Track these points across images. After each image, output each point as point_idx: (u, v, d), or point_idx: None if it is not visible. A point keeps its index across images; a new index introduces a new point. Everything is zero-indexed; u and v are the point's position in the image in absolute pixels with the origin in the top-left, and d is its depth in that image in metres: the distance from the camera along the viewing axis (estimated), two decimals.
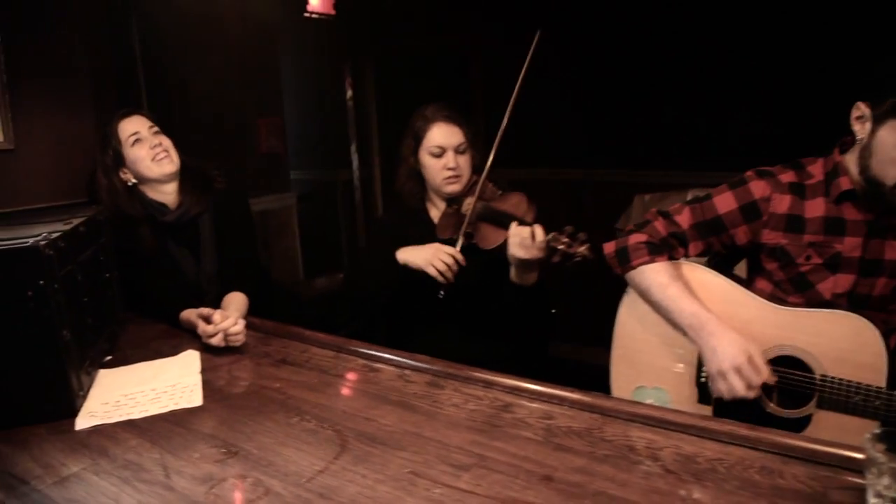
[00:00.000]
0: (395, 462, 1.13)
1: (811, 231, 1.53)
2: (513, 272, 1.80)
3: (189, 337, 1.80)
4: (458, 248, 1.83)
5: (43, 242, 1.30)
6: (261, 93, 3.55)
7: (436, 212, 2.07)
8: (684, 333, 1.55)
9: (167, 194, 2.00)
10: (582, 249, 1.61)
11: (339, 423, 1.28)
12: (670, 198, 3.50)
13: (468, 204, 1.94)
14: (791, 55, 3.10)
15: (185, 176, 2.01)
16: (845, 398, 1.38)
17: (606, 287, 1.72)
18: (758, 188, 1.58)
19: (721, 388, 1.44)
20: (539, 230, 1.67)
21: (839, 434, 1.33)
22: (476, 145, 2.00)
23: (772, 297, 1.55)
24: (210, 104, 3.23)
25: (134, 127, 1.94)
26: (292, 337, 1.78)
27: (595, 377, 1.66)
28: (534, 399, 1.36)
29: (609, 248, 1.69)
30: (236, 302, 1.89)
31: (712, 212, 1.61)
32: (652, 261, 1.61)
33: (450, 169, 1.93)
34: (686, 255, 1.66)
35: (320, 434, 1.24)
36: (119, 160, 1.94)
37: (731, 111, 3.33)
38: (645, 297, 1.63)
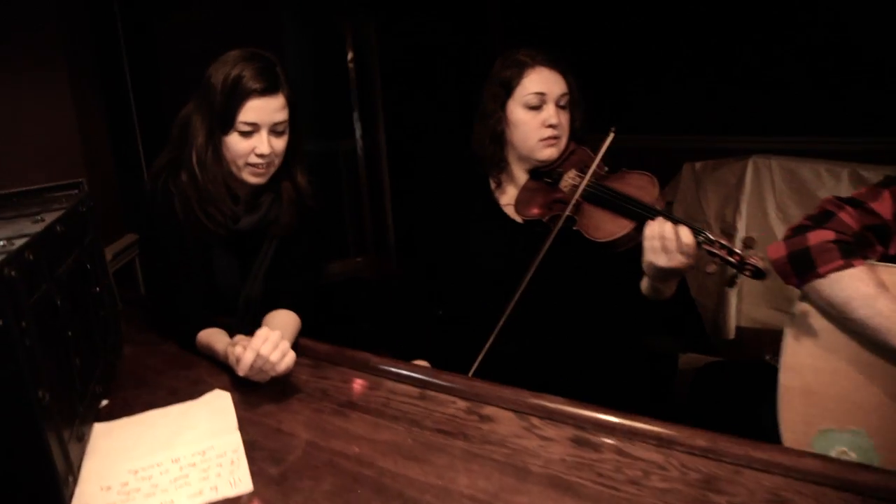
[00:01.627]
0: None
1: None
2: (645, 283, 1.37)
3: (209, 367, 1.34)
4: (553, 232, 1.41)
5: (0, 258, 0.82)
6: None
7: (511, 188, 1.62)
8: None
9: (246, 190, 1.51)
10: (754, 260, 1.19)
11: None
12: (728, 166, 3.08)
13: (572, 178, 1.49)
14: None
15: (278, 180, 1.50)
16: None
17: None
18: None
19: None
20: (686, 232, 1.23)
21: None
22: (580, 103, 1.55)
23: None
24: (201, 66, 2.70)
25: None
26: (356, 365, 1.32)
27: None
28: (754, 467, 0.94)
29: (777, 251, 1.26)
30: (282, 321, 1.40)
31: None
32: (848, 265, 1.19)
33: (550, 126, 1.49)
34: (885, 255, 1.24)
35: None
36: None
37: (795, 68, 2.90)
38: (839, 312, 1.21)
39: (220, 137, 1.38)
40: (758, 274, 1.19)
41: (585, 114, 1.56)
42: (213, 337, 1.34)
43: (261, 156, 1.37)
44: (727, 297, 2.93)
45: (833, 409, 1.26)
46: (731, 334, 2.97)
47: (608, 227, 1.37)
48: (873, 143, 2.76)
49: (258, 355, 1.14)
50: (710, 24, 3.08)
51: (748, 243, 1.21)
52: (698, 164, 3.17)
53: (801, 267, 1.23)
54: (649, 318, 1.41)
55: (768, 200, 2.91)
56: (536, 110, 1.49)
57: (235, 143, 1.37)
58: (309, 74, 3.89)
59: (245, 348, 1.16)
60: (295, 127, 1.44)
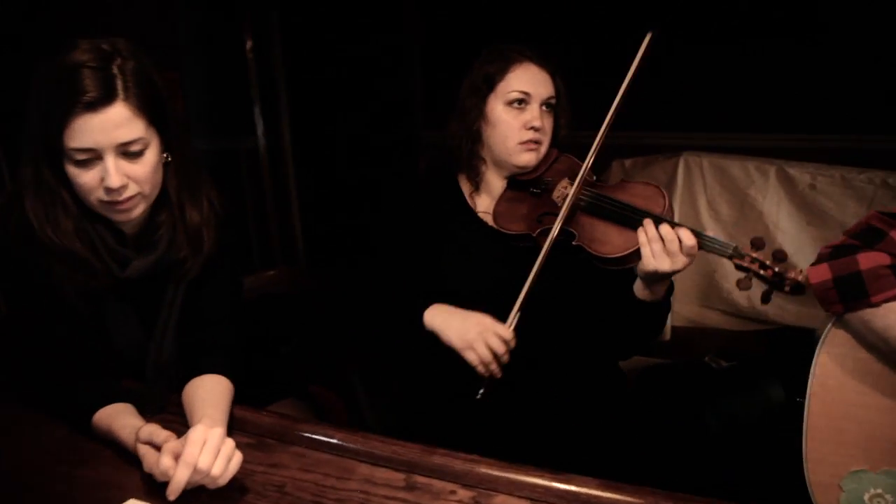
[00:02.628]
0: None
1: None
2: (639, 286, 1.24)
3: (115, 458, 1.00)
4: (545, 248, 1.22)
5: None
6: (153, 42, 2.59)
7: (485, 196, 1.42)
8: None
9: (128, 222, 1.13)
10: (794, 274, 1.05)
11: None
12: (659, 164, 3.02)
13: (564, 188, 1.30)
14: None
15: (166, 202, 1.13)
16: None
17: None
18: None
19: None
20: (687, 234, 1.14)
21: None
22: (567, 109, 1.39)
23: None
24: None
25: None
26: (316, 444, 1.03)
27: None
28: None
29: (820, 274, 1.12)
30: (212, 395, 1.07)
31: None
32: None
33: (532, 129, 1.31)
34: None
35: None
36: None
37: (733, 63, 2.86)
38: (890, 346, 1.09)
39: (49, 171, 1.02)
40: (797, 289, 1.08)
41: (568, 118, 1.37)
42: (117, 420, 1.00)
43: (113, 190, 1.01)
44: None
45: (866, 447, 1.13)
46: (668, 335, 2.92)
47: (616, 241, 1.21)
48: (798, 140, 2.78)
49: (195, 470, 0.84)
50: (637, 21, 3.00)
51: (778, 255, 1.09)
52: (628, 161, 3.09)
53: (850, 294, 1.09)
54: (642, 326, 1.31)
55: (699, 198, 2.87)
56: (519, 109, 1.32)
57: (74, 175, 1.01)
58: (203, 64, 3.47)
59: (172, 453, 0.85)
60: (171, 138, 1.09)
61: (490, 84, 1.34)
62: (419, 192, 1.45)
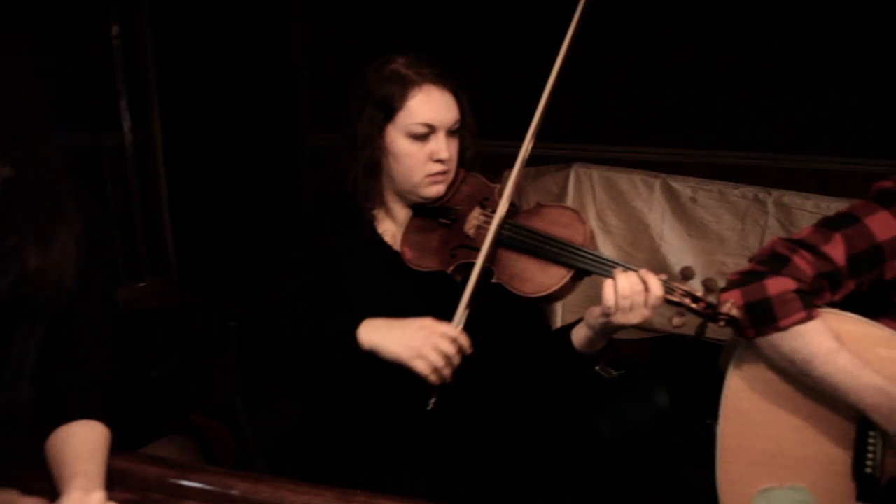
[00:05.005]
0: None
1: None
2: (582, 336, 1.16)
3: None
4: (470, 289, 1.12)
5: None
6: None
7: (389, 222, 1.30)
8: (858, 414, 1.09)
9: None
10: (728, 308, 1.03)
11: None
12: (550, 175, 3.05)
13: (476, 219, 1.21)
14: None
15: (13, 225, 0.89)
16: None
17: None
18: None
19: None
20: (653, 280, 1.05)
21: None
22: (472, 126, 1.29)
23: None
24: None
25: None
26: (213, 497, 0.89)
27: None
28: None
29: (733, 300, 1.11)
30: (84, 447, 0.89)
31: (868, 239, 1.13)
32: (809, 318, 1.10)
33: (439, 161, 1.21)
34: (831, 302, 1.16)
35: None
36: None
37: (621, 76, 2.96)
38: (799, 368, 1.11)
39: None
40: (732, 323, 1.04)
41: (476, 139, 1.29)
42: None
43: None
44: (553, 308, 2.91)
45: (774, 467, 1.16)
46: None
47: (538, 278, 1.13)
48: (682, 155, 2.92)
49: None
50: (533, 32, 3.02)
51: (709, 285, 1.05)
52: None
53: (760, 319, 1.10)
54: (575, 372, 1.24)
55: (589, 209, 2.93)
56: (423, 141, 1.20)
57: None
58: (62, 51, 3.08)
59: None
60: (12, 142, 0.86)
61: (388, 113, 1.20)
62: (321, 216, 1.30)
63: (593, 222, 2.91)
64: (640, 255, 2.79)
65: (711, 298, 1.03)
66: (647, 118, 2.94)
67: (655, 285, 1.04)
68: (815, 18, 2.62)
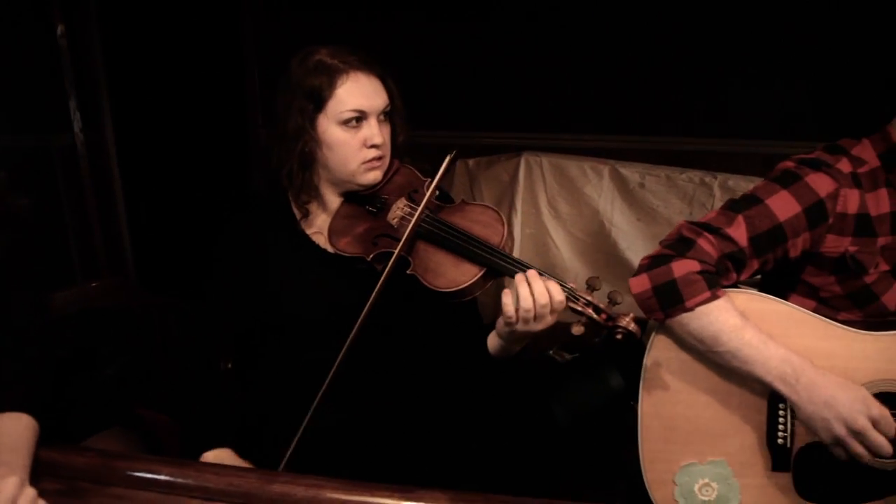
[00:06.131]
0: None
1: (882, 232, 1.21)
2: (495, 343, 1.22)
3: None
4: (381, 281, 1.15)
5: None
6: None
7: (322, 214, 1.33)
8: (767, 387, 1.14)
9: None
10: (626, 322, 1.07)
11: None
12: (501, 164, 3.09)
13: (402, 208, 1.23)
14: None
15: None
16: None
17: None
18: (820, 183, 1.18)
19: (851, 451, 1.09)
20: (556, 288, 1.09)
21: None
22: (402, 111, 1.30)
23: None
24: None
25: None
26: (140, 483, 0.92)
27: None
28: None
29: (640, 284, 1.17)
30: (11, 439, 0.92)
31: (770, 219, 1.18)
32: (714, 297, 1.14)
33: (373, 147, 1.23)
34: (737, 282, 1.22)
35: None
36: None
37: (569, 65, 2.99)
38: (707, 346, 1.15)
39: None
40: (630, 339, 1.07)
41: (408, 124, 1.31)
42: None
43: None
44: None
45: (693, 443, 1.21)
46: None
47: (451, 273, 1.15)
48: (628, 141, 2.97)
49: None
50: (485, 23, 3.05)
51: (613, 298, 1.09)
52: (471, 161, 3.14)
53: (667, 301, 1.14)
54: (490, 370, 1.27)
55: (540, 197, 2.97)
56: (356, 128, 1.22)
57: None
58: (6, 52, 3.03)
59: None
60: None
61: (317, 103, 1.21)
62: (250, 216, 1.33)
63: (544, 209, 2.96)
64: (591, 240, 2.85)
65: (612, 311, 1.07)
66: (596, 106, 2.98)
67: (556, 291, 1.07)
68: (756, 5, 2.68)
